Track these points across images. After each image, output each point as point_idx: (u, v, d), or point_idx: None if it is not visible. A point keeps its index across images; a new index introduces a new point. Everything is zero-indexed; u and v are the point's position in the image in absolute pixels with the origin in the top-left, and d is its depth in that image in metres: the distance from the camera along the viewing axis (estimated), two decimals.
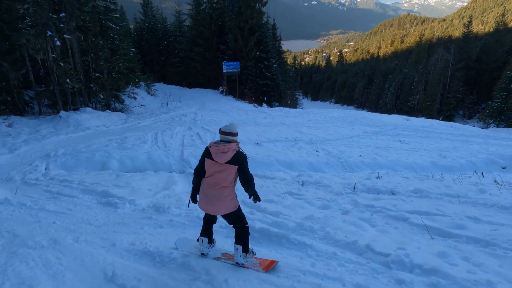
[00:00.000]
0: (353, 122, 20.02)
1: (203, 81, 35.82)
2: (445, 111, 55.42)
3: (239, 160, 3.32)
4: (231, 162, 3.29)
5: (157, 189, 6.79)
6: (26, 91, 15.67)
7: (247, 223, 3.68)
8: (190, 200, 3.71)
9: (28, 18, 12.44)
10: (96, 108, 16.51)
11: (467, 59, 55.56)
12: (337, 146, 12.93)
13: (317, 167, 10.75)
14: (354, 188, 7.26)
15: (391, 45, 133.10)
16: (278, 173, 9.72)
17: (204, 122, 17.21)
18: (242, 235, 3.60)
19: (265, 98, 32.30)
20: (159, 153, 10.52)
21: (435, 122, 22.15)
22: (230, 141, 3.37)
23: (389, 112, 61.50)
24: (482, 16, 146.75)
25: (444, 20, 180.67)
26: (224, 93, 31.99)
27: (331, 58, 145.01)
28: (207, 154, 3.44)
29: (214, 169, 3.35)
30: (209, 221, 3.82)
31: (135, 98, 22.58)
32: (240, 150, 3.41)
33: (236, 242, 3.61)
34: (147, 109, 21.57)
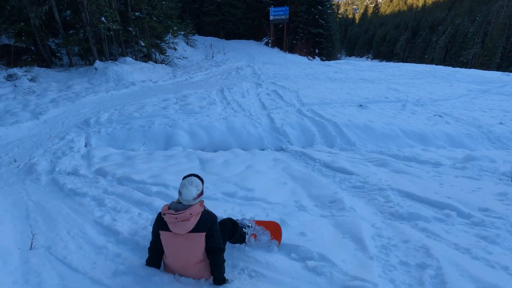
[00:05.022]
0: (447, 78, 17.09)
1: (243, 31, 31.45)
2: (506, 66, 49.33)
3: (208, 224, 2.36)
4: (196, 229, 2.32)
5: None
6: (52, 38, 12.45)
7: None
8: None
9: None
10: (136, 59, 13.19)
11: None
12: (455, 109, 9.86)
13: (459, 141, 7.56)
14: None
15: None
16: (420, 151, 6.57)
17: (269, 76, 13.89)
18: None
19: (317, 51, 27.92)
20: (241, 120, 7.32)
21: None
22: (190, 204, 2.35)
23: None
24: None
25: None
26: (269, 45, 27.79)
27: (367, 10, 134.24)
28: (160, 224, 2.39)
29: (175, 244, 2.36)
30: None
31: (175, 49, 19.06)
32: (207, 209, 2.47)
33: None
34: (191, 62, 18.15)
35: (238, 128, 6.98)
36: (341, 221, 2.84)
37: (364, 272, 2.11)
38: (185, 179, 2.38)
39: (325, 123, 7.34)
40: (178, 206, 2.33)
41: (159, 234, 2.39)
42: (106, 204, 3.26)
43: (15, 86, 8.95)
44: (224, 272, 2.39)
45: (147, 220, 2.88)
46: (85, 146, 5.91)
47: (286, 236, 2.62)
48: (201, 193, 2.38)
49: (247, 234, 2.63)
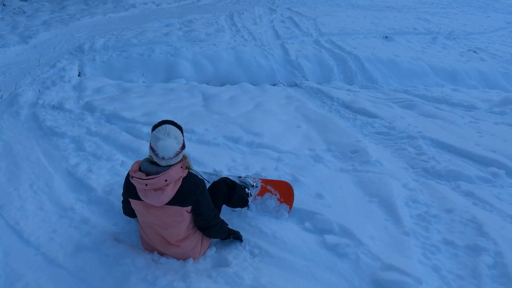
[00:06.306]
0: (484, 8, 15.57)
1: None
2: None
3: (193, 197, 1.70)
4: (175, 202, 1.66)
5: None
6: None
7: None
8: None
9: None
10: None
11: None
12: (491, 44, 8.89)
13: (493, 80, 6.87)
14: None
15: None
16: (450, 92, 5.99)
17: (284, 1, 12.51)
18: None
19: None
20: (251, 50, 6.64)
21: None
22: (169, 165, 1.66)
23: None
24: None
25: None
26: None
27: None
28: (129, 189, 1.75)
29: (149, 217, 1.75)
30: None
31: None
32: (192, 171, 1.84)
33: None
34: None
35: (248, 60, 6.31)
36: (365, 178, 2.33)
37: (400, 256, 1.63)
38: (157, 129, 1.66)
39: (345, 56, 6.62)
40: (149, 168, 1.65)
41: (129, 201, 1.80)
42: (86, 148, 2.76)
43: (3, 5, 8.14)
44: (226, 233, 1.89)
45: None
46: (78, 75, 5.36)
47: (299, 198, 2.12)
48: (183, 147, 1.70)
49: (251, 196, 2.09)
